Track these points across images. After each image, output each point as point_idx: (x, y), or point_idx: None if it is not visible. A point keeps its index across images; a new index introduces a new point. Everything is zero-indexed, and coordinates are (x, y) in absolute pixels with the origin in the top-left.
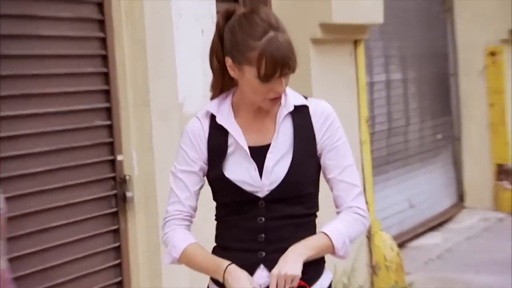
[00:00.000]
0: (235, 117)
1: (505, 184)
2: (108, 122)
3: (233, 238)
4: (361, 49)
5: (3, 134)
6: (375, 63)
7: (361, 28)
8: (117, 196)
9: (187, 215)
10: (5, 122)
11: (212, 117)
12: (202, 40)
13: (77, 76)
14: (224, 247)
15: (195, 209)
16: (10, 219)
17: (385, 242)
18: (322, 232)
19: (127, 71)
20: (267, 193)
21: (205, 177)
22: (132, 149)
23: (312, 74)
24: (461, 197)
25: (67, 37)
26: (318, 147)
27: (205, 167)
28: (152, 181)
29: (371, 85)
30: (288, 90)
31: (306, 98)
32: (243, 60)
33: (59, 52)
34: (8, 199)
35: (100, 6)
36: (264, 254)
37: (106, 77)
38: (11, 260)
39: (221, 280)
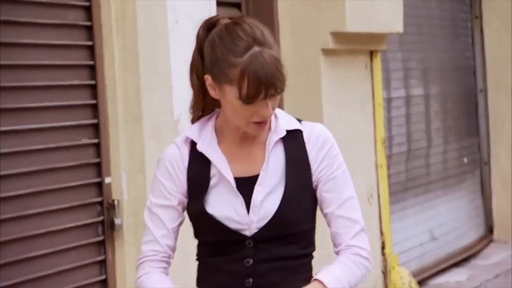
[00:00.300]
0: (218, 143)
1: None
2: (95, 140)
3: (216, 283)
4: (377, 61)
5: None
6: (393, 76)
7: (378, 38)
8: (104, 223)
9: (164, 256)
10: None
11: (193, 144)
12: None
13: (61, 89)
14: None
15: (173, 248)
16: None
17: (403, 279)
18: (317, 280)
19: (117, 83)
20: (255, 231)
21: (185, 212)
22: (121, 171)
23: (322, 88)
24: (489, 229)
25: (50, 45)
26: (314, 178)
27: (185, 200)
28: (143, 207)
29: (388, 101)
30: (279, 112)
31: (300, 121)
32: (223, 78)
33: (42, 61)
34: None
35: (88, 11)
36: None
37: (93, 89)
38: None
39: None
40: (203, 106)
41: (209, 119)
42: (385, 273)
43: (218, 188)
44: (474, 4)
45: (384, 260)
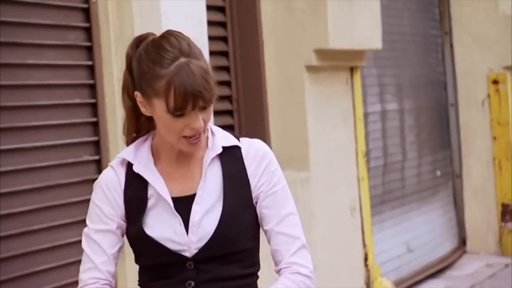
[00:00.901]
0: (155, 164)
1: (510, 226)
2: (96, 157)
3: None
4: (358, 76)
5: None
6: (370, 92)
7: (358, 54)
8: None
9: (106, 283)
10: None
11: (129, 165)
12: None
13: (63, 107)
14: None
15: (114, 275)
16: None
17: None
18: None
19: (116, 101)
20: (195, 251)
21: (124, 236)
22: None
23: (306, 103)
24: (462, 241)
25: (52, 65)
26: (254, 194)
27: (123, 224)
28: None
29: (365, 116)
30: (216, 130)
31: (238, 138)
32: (150, 92)
33: (44, 81)
34: None
35: (88, 32)
36: None
37: (94, 108)
38: None
39: None
40: (138, 127)
41: (145, 140)
42: (368, 284)
43: (156, 209)
44: (443, 20)
45: (367, 271)
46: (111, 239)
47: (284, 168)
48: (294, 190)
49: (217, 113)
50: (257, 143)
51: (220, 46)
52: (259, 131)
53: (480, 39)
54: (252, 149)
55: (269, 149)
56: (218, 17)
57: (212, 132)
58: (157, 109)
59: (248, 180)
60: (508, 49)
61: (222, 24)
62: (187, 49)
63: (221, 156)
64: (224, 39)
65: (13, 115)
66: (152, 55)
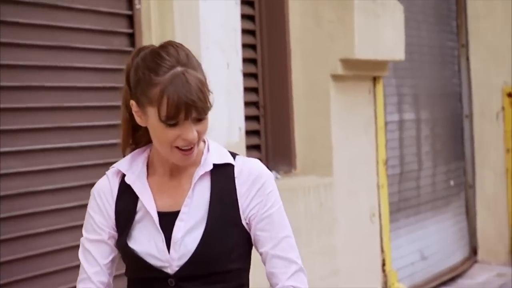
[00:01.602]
0: (149, 176)
1: None
2: None
3: None
4: (380, 86)
5: (38, 168)
6: (388, 101)
7: (381, 65)
8: None
9: None
10: (40, 154)
11: (123, 176)
12: (227, 73)
13: (110, 109)
14: None
15: (108, 285)
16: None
17: None
18: None
19: None
20: (176, 269)
21: None
22: None
23: (331, 112)
24: (473, 250)
25: (99, 68)
26: (244, 215)
27: (115, 234)
28: None
29: (384, 125)
30: (213, 145)
31: (235, 156)
32: (144, 99)
33: (92, 84)
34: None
35: (131, 37)
36: None
37: None
38: None
39: None
40: (137, 139)
41: (143, 151)
42: None
43: (143, 222)
44: (460, 33)
45: (384, 276)
46: (104, 249)
47: (308, 174)
48: (318, 195)
49: (244, 118)
50: (253, 162)
51: (249, 54)
52: (285, 136)
53: (496, 52)
54: (246, 168)
55: (265, 170)
56: (247, 25)
57: (208, 148)
58: (151, 118)
59: (237, 200)
60: None
61: (251, 32)
62: (185, 59)
63: (212, 173)
64: (253, 47)
65: (62, 115)
66: (149, 62)
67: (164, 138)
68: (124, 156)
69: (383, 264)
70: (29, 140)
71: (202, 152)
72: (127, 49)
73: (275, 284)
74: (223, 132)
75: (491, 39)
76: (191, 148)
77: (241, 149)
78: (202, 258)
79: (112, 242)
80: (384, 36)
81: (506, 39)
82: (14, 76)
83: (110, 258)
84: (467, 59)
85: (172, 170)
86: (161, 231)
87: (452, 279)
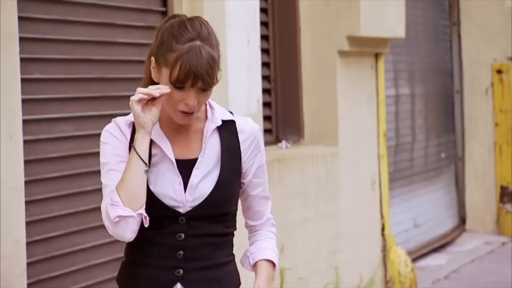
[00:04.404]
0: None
1: (508, 207)
2: None
3: (148, 254)
4: (381, 62)
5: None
6: (386, 77)
7: (383, 42)
8: None
9: None
10: (89, 120)
11: (134, 128)
12: (247, 50)
13: None
14: (137, 262)
15: None
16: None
17: (400, 258)
18: (268, 260)
19: None
20: (189, 209)
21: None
22: None
23: (337, 86)
24: (462, 219)
25: (137, 43)
26: (243, 166)
27: None
28: None
29: None
30: (215, 104)
31: (232, 113)
32: (162, 61)
33: (131, 57)
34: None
35: (164, 15)
36: (182, 272)
37: None
38: None
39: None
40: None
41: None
42: (384, 252)
43: (158, 167)
44: (452, 11)
45: (384, 240)
46: None
47: (315, 143)
48: (325, 164)
49: None
50: (251, 122)
51: (261, 31)
52: (294, 108)
53: (487, 30)
54: (247, 127)
55: (259, 129)
56: (261, 4)
57: (210, 105)
58: (163, 77)
59: (240, 153)
60: None
61: (264, 11)
62: (205, 35)
63: (219, 129)
64: (265, 24)
65: (107, 86)
66: (174, 31)
67: (170, 99)
68: None
69: (383, 229)
70: (81, 107)
71: (206, 109)
72: None
73: (260, 218)
74: (243, 103)
75: (481, 18)
76: (191, 113)
77: (259, 119)
78: (213, 202)
79: None
80: (386, 15)
81: (496, 18)
82: (69, 50)
83: None
84: (459, 36)
85: (179, 125)
86: (179, 174)
87: (442, 246)
